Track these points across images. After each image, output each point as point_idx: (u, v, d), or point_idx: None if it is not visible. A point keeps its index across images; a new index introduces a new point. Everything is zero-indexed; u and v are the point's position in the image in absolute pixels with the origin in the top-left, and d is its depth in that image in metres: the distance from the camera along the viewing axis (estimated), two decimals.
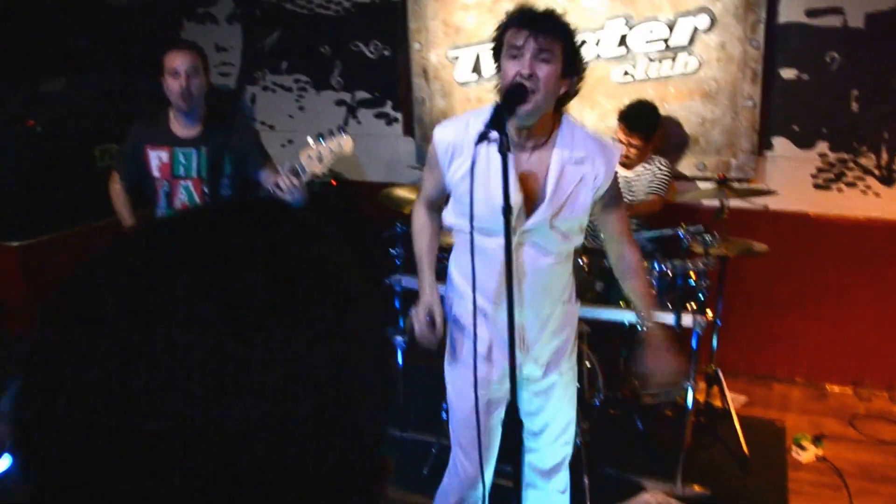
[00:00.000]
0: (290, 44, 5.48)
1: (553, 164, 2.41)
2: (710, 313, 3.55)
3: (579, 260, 3.62)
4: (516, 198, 2.38)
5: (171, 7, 5.62)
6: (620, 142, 4.17)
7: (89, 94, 4.84)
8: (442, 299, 2.72)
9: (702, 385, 4.18)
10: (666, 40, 4.53)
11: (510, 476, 3.35)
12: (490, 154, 2.36)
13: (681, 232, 3.64)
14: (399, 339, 3.84)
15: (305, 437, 0.54)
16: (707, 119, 4.58)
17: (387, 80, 5.28)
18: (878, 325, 4.57)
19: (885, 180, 4.40)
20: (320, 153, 3.25)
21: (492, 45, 2.43)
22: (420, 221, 2.75)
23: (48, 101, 4.61)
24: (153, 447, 0.51)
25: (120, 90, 4.94)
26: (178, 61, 3.35)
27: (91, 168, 4.68)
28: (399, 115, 5.32)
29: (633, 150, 4.17)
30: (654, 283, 3.59)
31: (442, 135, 2.51)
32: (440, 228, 2.77)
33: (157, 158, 3.47)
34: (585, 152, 2.44)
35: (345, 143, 3.27)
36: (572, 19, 4.62)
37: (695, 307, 3.51)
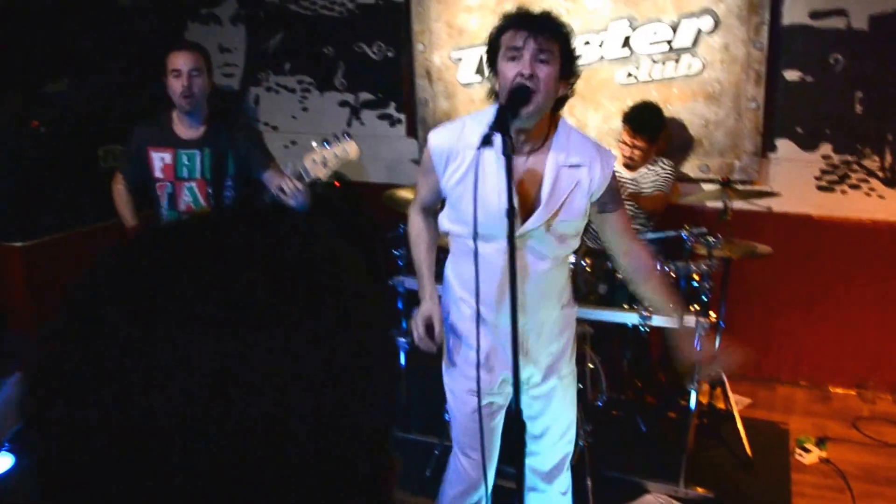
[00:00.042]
0: (293, 45, 5.48)
1: (549, 167, 2.40)
2: (713, 315, 3.55)
3: (582, 262, 3.62)
4: (514, 202, 2.38)
5: (175, 8, 5.63)
6: (625, 144, 4.17)
7: (93, 95, 4.84)
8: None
9: (705, 387, 4.18)
10: (669, 42, 4.53)
11: (510, 477, 3.36)
12: (486, 158, 2.36)
13: (684, 234, 3.64)
14: (402, 340, 3.84)
15: (304, 436, 0.54)
16: (710, 121, 4.58)
17: (390, 81, 5.29)
18: (881, 328, 4.56)
19: (889, 182, 4.39)
20: (325, 158, 3.25)
21: (486, 48, 2.42)
22: (417, 228, 2.74)
23: (52, 101, 4.61)
24: (154, 447, 0.51)
25: (123, 91, 4.94)
26: (180, 61, 3.36)
27: (94, 169, 4.68)
28: (402, 117, 5.32)
29: (637, 152, 4.17)
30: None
31: (436, 139, 2.50)
32: (437, 233, 2.76)
33: (160, 160, 3.47)
34: (581, 156, 2.44)
35: (350, 148, 3.27)
36: (576, 21, 4.69)
37: (698, 309, 3.51)
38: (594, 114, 4.75)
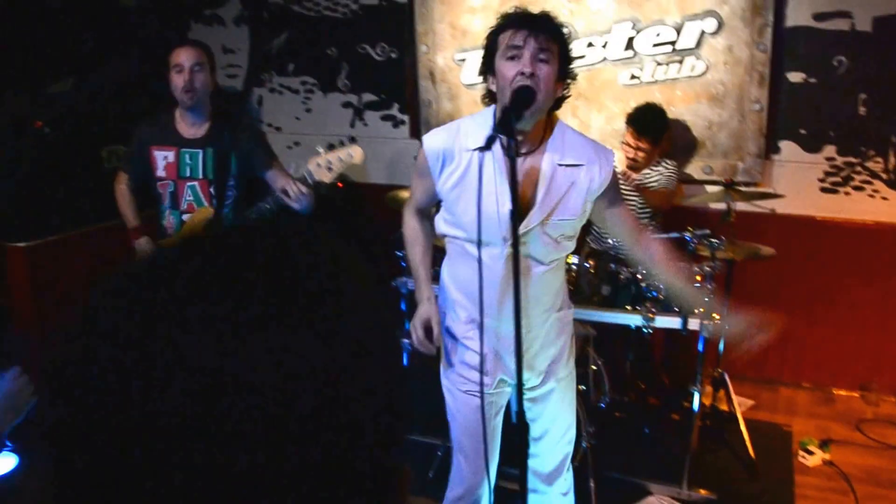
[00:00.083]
0: (297, 46, 5.49)
1: (544, 168, 2.39)
2: (716, 317, 3.54)
3: (585, 263, 3.62)
4: (509, 205, 2.36)
5: (179, 9, 5.63)
6: (629, 145, 4.17)
7: (96, 95, 4.85)
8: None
9: (708, 389, 4.17)
10: (673, 43, 4.53)
11: (511, 478, 3.36)
12: (483, 161, 2.35)
13: (687, 235, 3.63)
14: (406, 341, 3.83)
15: (304, 437, 0.54)
16: (714, 122, 4.58)
17: (393, 82, 5.29)
18: (885, 330, 4.56)
19: (893, 184, 4.39)
20: (329, 162, 3.26)
21: (483, 48, 2.41)
22: (412, 230, 2.73)
23: (56, 102, 4.62)
24: (155, 448, 0.52)
25: (127, 92, 4.95)
26: (183, 56, 3.37)
27: (98, 169, 4.69)
28: (406, 118, 5.32)
29: (641, 154, 4.17)
30: (661, 285, 3.58)
31: (432, 142, 2.49)
32: (432, 235, 2.75)
33: (162, 159, 3.47)
34: (578, 156, 2.43)
35: (355, 152, 3.28)
36: (579, 22, 4.69)
37: (701, 311, 3.50)
38: (597, 115, 4.75)
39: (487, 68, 2.41)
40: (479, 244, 2.30)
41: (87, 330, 0.58)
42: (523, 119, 2.27)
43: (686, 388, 3.91)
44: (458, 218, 2.45)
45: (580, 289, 3.62)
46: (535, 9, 2.41)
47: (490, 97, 2.47)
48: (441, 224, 2.58)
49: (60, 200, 4.50)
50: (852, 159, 4.43)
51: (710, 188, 4.57)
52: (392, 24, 5.18)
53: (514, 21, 2.32)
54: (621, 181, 4.08)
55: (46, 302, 4.28)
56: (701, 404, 3.72)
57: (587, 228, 4.40)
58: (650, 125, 4.16)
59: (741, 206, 4.15)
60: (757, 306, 2.58)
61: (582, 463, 3.40)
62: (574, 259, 3.62)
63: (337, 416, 0.56)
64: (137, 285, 0.58)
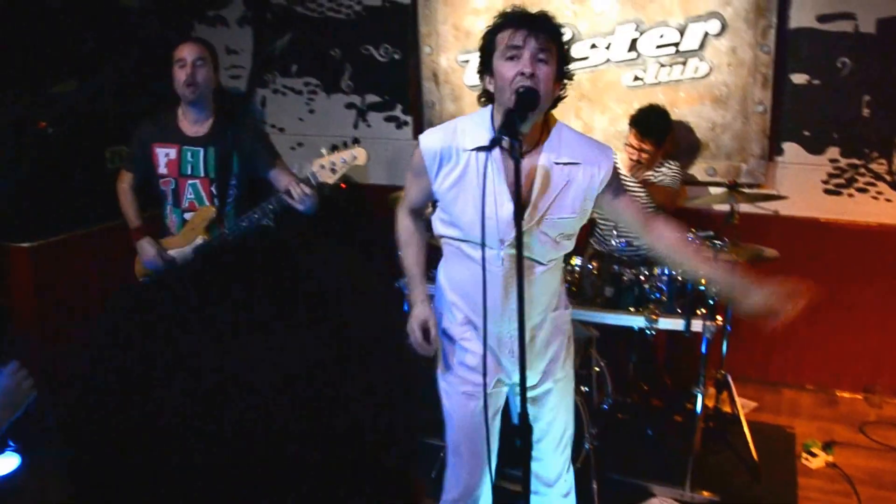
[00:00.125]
0: (300, 47, 5.49)
1: (539, 167, 2.38)
2: (719, 319, 3.54)
3: (589, 265, 3.62)
4: (508, 206, 2.35)
5: (182, 10, 5.64)
6: (632, 147, 4.16)
7: (100, 96, 4.86)
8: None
9: (711, 390, 4.17)
10: (676, 45, 4.53)
11: (511, 479, 3.36)
12: (481, 162, 2.34)
13: (691, 237, 3.63)
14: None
15: (301, 435, 0.55)
16: (717, 124, 4.58)
17: (397, 83, 5.29)
18: (888, 332, 4.55)
19: None
20: (333, 163, 3.26)
21: (480, 48, 2.39)
22: (406, 230, 2.72)
23: (59, 102, 4.63)
24: (162, 448, 0.53)
25: (131, 92, 4.96)
26: (185, 51, 3.39)
27: (101, 169, 4.69)
28: (409, 119, 5.33)
29: (644, 156, 4.16)
30: (664, 287, 3.58)
31: (428, 141, 2.47)
32: (425, 235, 2.74)
33: (164, 156, 3.47)
34: (574, 154, 2.42)
35: (358, 153, 3.29)
36: (583, 24, 4.69)
37: (704, 312, 3.50)
38: (601, 116, 4.75)
39: (485, 68, 2.39)
40: (483, 245, 2.29)
41: (101, 337, 0.58)
42: (527, 120, 2.27)
43: (689, 390, 3.91)
44: (456, 218, 2.44)
45: (583, 290, 3.62)
46: (534, 9, 2.39)
47: (487, 97, 2.45)
48: (438, 225, 2.56)
49: (63, 201, 4.50)
50: (856, 161, 4.43)
51: (714, 190, 4.57)
52: (395, 26, 5.18)
53: (513, 21, 2.30)
54: (627, 176, 4.08)
55: (49, 302, 4.29)
56: (704, 406, 3.72)
57: (590, 230, 4.40)
58: (653, 127, 4.16)
59: (744, 207, 4.15)
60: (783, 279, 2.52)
61: (584, 464, 3.40)
62: (577, 261, 3.62)
63: (336, 416, 0.56)
64: (149, 295, 0.59)
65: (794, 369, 4.81)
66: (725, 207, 3.98)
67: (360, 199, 5.34)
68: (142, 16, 5.26)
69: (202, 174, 3.45)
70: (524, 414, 2.27)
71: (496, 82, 2.32)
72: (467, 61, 4.98)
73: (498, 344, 2.55)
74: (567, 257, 3.57)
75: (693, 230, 3.62)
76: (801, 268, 4.57)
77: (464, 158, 2.40)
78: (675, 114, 4.52)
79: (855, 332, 4.62)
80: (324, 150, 3.30)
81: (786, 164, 4.55)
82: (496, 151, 2.32)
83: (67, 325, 4.28)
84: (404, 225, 2.72)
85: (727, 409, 4.19)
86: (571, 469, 2.88)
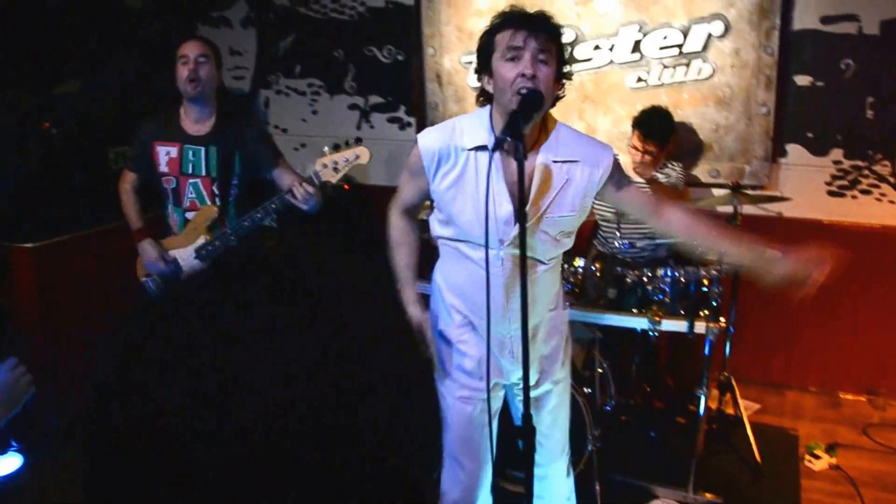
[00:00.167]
0: (304, 48, 5.50)
1: (538, 167, 2.36)
2: (722, 320, 3.54)
3: (592, 266, 3.61)
4: (507, 206, 2.35)
5: (186, 11, 5.65)
6: (636, 149, 4.16)
7: (104, 96, 4.86)
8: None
9: (714, 392, 4.16)
10: (680, 46, 4.53)
11: (512, 480, 3.36)
12: (481, 163, 2.34)
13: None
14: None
15: (301, 436, 0.55)
16: (721, 125, 4.57)
17: (400, 84, 5.29)
18: (892, 334, 4.54)
19: None
20: (336, 162, 3.26)
21: (478, 48, 2.38)
22: (399, 230, 2.68)
23: (63, 103, 4.63)
24: (159, 445, 0.54)
25: (134, 93, 4.96)
26: (188, 48, 3.41)
27: (105, 170, 4.70)
28: (412, 120, 5.33)
29: (647, 157, 4.16)
30: (668, 288, 3.57)
31: (427, 141, 2.44)
32: (418, 236, 2.71)
33: (165, 154, 3.48)
34: (572, 153, 2.41)
35: (361, 152, 3.29)
36: (586, 25, 4.68)
37: (708, 314, 3.49)
38: (604, 118, 4.75)
39: (483, 68, 2.37)
40: (487, 246, 2.28)
41: (115, 350, 0.59)
42: (530, 121, 2.26)
43: (692, 392, 3.90)
44: (454, 218, 2.43)
45: (586, 292, 3.62)
46: (535, 9, 2.37)
47: (485, 97, 2.43)
48: (435, 225, 2.54)
49: (66, 201, 4.51)
50: (859, 163, 4.42)
51: (717, 191, 4.56)
52: (399, 27, 5.18)
53: (512, 21, 2.28)
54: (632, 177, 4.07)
55: (51, 302, 4.29)
56: (707, 408, 3.71)
57: (594, 232, 4.39)
58: (656, 128, 4.15)
59: (748, 209, 4.15)
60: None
61: (587, 466, 3.39)
62: (580, 262, 3.61)
63: (341, 418, 0.56)
64: (165, 305, 0.60)
65: (797, 371, 4.80)
66: (729, 209, 3.97)
67: (363, 199, 5.33)
68: (145, 17, 5.27)
69: (203, 173, 3.45)
70: (527, 415, 2.26)
71: (496, 83, 2.31)
72: (471, 62, 4.98)
73: (498, 345, 2.53)
74: (570, 259, 3.58)
75: None
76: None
77: (462, 158, 2.38)
78: (679, 115, 4.51)
79: (858, 334, 4.61)
80: (326, 149, 3.30)
81: (789, 166, 4.55)
82: (500, 151, 2.32)
83: (70, 326, 4.29)
84: (397, 225, 2.69)
85: (730, 410, 4.18)
86: (572, 472, 2.88)
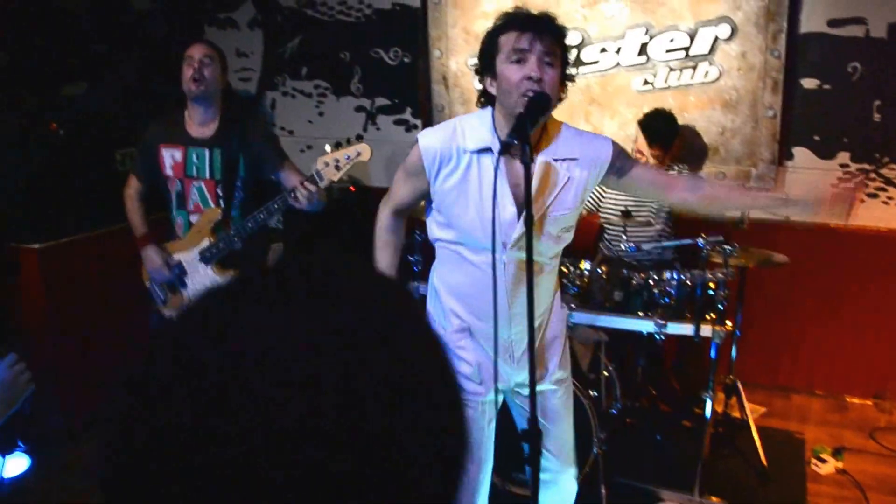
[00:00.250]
0: (310, 50, 5.50)
1: (538, 166, 2.33)
2: (729, 324, 3.53)
3: (598, 269, 3.61)
4: (511, 209, 2.34)
5: (193, 12, 5.66)
6: (640, 153, 4.16)
7: (110, 98, 4.87)
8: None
9: (720, 396, 4.15)
10: (686, 49, 4.52)
11: (517, 482, 3.35)
12: (484, 165, 2.33)
13: (700, 241, 3.62)
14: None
15: (307, 439, 0.55)
16: (727, 128, 4.57)
17: (406, 86, 5.29)
18: None
19: None
20: (337, 160, 3.26)
21: (481, 49, 2.35)
22: (386, 231, 2.65)
23: (70, 104, 4.64)
24: (179, 454, 0.54)
25: (141, 94, 4.97)
26: (193, 50, 3.43)
27: (112, 171, 4.71)
28: (418, 122, 5.33)
29: (652, 161, 4.16)
30: (674, 291, 3.56)
31: (428, 142, 2.40)
32: (403, 237, 2.69)
33: (170, 157, 3.48)
34: (571, 151, 2.39)
35: (362, 149, 3.28)
36: (593, 28, 4.68)
37: (714, 317, 3.49)
38: (610, 121, 4.75)
39: (486, 69, 2.35)
40: (494, 250, 2.27)
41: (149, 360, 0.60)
42: (536, 124, 2.26)
43: (698, 395, 3.90)
44: (455, 221, 2.40)
45: (592, 294, 3.61)
46: (533, 9, 2.36)
47: (487, 98, 2.41)
48: (433, 227, 2.51)
49: (73, 203, 4.51)
50: (866, 166, 4.41)
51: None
52: (405, 29, 5.18)
53: (518, 23, 2.25)
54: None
55: (58, 303, 4.30)
56: (713, 411, 3.71)
57: (600, 235, 4.39)
58: (660, 131, 4.15)
59: (754, 212, 4.13)
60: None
61: (593, 469, 3.39)
62: (586, 265, 3.61)
63: (345, 420, 0.56)
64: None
65: (803, 374, 4.79)
66: (735, 212, 3.96)
67: (369, 201, 5.33)
68: (152, 18, 5.28)
69: (207, 176, 3.46)
70: (534, 418, 2.25)
71: (500, 85, 2.28)
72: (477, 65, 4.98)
73: (499, 348, 2.52)
74: (576, 262, 3.58)
75: (703, 235, 3.62)
76: (811, 273, 4.57)
77: (465, 160, 2.35)
78: (685, 118, 4.51)
79: (865, 338, 4.60)
80: (327, 148, 3.30)
81: (796, 169, 4.54)
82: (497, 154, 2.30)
83: (76, 327, 4.30)
84: (386, 224, 2.65)
85: (736, 414, 4.17)
86: (576, 476, 2.87)
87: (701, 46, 4.49)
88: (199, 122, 3.48)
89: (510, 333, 2.47)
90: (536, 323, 2.49)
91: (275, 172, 3.49)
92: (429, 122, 5.24)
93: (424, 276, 3.27)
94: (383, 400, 0.57)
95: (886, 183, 4.39)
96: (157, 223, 3.66)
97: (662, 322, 3.44)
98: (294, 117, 5.66)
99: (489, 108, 2.40)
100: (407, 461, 0.58)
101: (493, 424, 2.67)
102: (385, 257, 2.65)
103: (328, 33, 5.39)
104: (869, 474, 3.89)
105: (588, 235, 4.27)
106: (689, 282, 3.55)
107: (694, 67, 4.53)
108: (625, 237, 3.86)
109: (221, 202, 3.47)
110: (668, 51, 4.56)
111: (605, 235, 4.36)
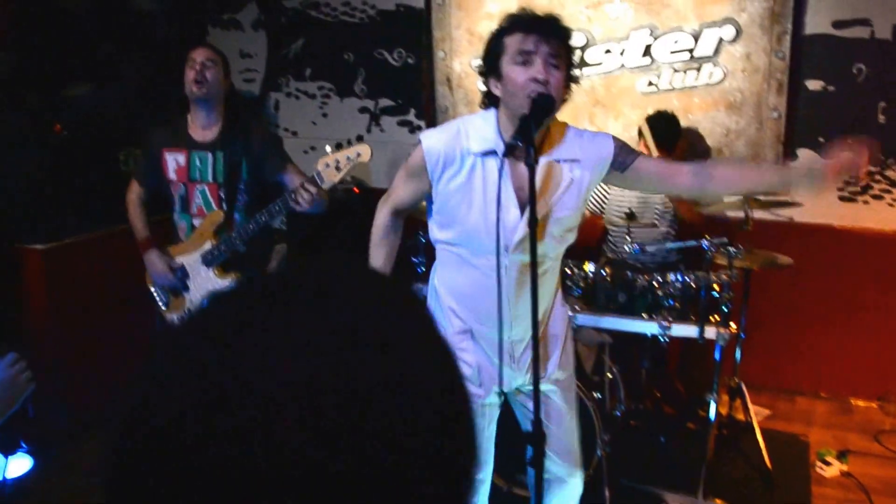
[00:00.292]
0: (314, 51, 5.50)
1: (540, 167, 2.31)
2: (733, 326, 3.52)
3: (602, 271, 3.60)
4: (515, 212, 2.33)
5: (197, 13, 5.66)
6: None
7: (114, 99, 4.87)
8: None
9: (725, 398, 4.14)
10: (691, 51, 4.52)
11: (521, 484, 3.34)
12: (488, 167, 2.32)
13: (705, 243, 3.61)
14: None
15: (307, 440, 0.55)
16: (732, 130, 4.56)
17: (410, 87, 5.29)
18: None
19: None
20: (337, 161, 3.26)
21: (485, 50, 2.34)
22: (383, 231, 2.63)
23: (74, 105, 4.65)
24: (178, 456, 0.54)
25: (145, 95, 4.98)
26: (195, 53, 3.44)
27: (116, 172, 4.71)
28: (422, 124, 5.32)
29: None
30: (678, 293, 3.55)
31: (432, 143, 2.37)
32: (399, 238, 2.68)
33: (173, 161, 3.49)
34: (573, 152, 2.38)
35: (362, 150, 3.28)
36: (597, 29, 4.67)
37: (718, 319, 3.48)
38: (614, 122, 4.74)
39: (490, 71, 2.33)
40: (498, 253, 2.27)
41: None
42: (541, 126, 2.25)
43: (702, 397, 3.89)
44: (458, 224, 2.39)
45: (596, 296, 3.61)
46: (539, 10, 2.34)
47: (491, 100, 2.40)
48: (434, 229, 2.50)
49: (77, 203, 4.52)
50: (871, 168, 4.40)
51: (728, 196, 4.54)
52: (409, 30, 5.18)
53: (523, 24, 2.24)
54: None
55: (61, 304, 4.30)
56: (717, 413, 3.70)
57: (603, 237, 4.38)
58: (663, 134, 4.14)
59: (759, 214, 4.12)
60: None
61: (597, 471, 3.38)
62: (590, 267, 3.60)
63: (347, 422, 0.56)
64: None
65: (808, 377, 4.78)
66: (740, 214, 3.95)
67: (373, 202, 5.32)
68: (156, 19, 5.28)
69: (210, 179, 3.46)
70: (538, 420, 2.24)
71: (505, 86, 2.27)
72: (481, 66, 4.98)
73: (494, 352, 2.50)
74: (580, 264, 3.57)
75: (707, 236, 3.61)
76: (816, 275, 4.56)
77: (469, 162, 2.33)
78: (689, 120, 4.50)
79: (870, 340, 4.59)
80: (328, 149, 3.30)
81: None
82: (504, 156, 2.29)
83: (79, 328, 4.30)
84: (383, 223, 2.63)
85: (741, 416, 4.16)
86: (581, 478, 2.86)
87: (705, 48, 4.48)
88: (202, 126, 3.48)
89: (510, 335, 2.46)
90: (529, 325, 2.48)
91: (278, 175, 3.49)
92: (432, 124, 5.24)
93: (428, 278, 3.27)
94: (384, 401, 0.57)
95: (891, 184, 4.38)
96: (159, 225, 3.66)
97: (666, 324, 3.43)
98: (298, 118, 5.66)
99: (493, 110, 2.39)
100: (408, 464, 0.57)
101: (493, 426, 2.66)
102: (380, 256, 2.63)
103: (332, 34, 5.40)
104: (873, 477, 3.87)
105: (590, 233, 4.27)
106: (693, 284, 3.54)
107: (698, 69, 4.53)
108: (629, 239, 3.85)
109: (224, 205, 3.47)
110: (672, 52, 4.55)
111: (609, 237, 4.35)
